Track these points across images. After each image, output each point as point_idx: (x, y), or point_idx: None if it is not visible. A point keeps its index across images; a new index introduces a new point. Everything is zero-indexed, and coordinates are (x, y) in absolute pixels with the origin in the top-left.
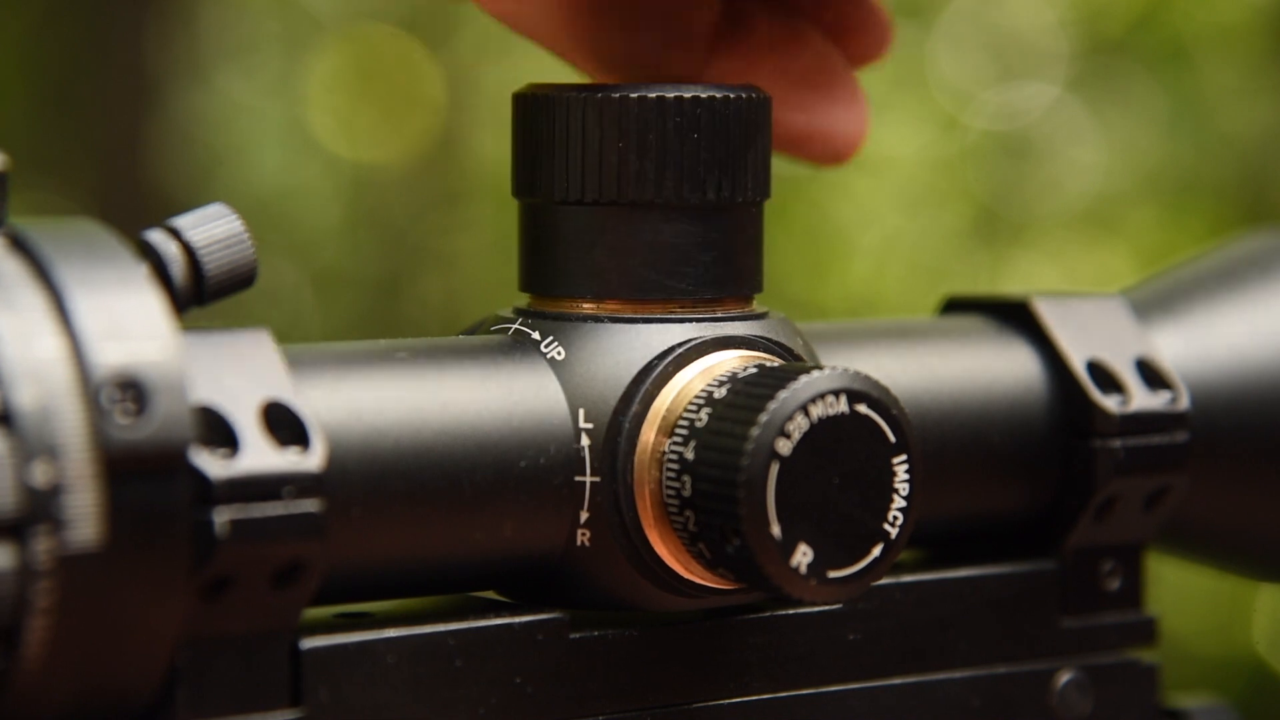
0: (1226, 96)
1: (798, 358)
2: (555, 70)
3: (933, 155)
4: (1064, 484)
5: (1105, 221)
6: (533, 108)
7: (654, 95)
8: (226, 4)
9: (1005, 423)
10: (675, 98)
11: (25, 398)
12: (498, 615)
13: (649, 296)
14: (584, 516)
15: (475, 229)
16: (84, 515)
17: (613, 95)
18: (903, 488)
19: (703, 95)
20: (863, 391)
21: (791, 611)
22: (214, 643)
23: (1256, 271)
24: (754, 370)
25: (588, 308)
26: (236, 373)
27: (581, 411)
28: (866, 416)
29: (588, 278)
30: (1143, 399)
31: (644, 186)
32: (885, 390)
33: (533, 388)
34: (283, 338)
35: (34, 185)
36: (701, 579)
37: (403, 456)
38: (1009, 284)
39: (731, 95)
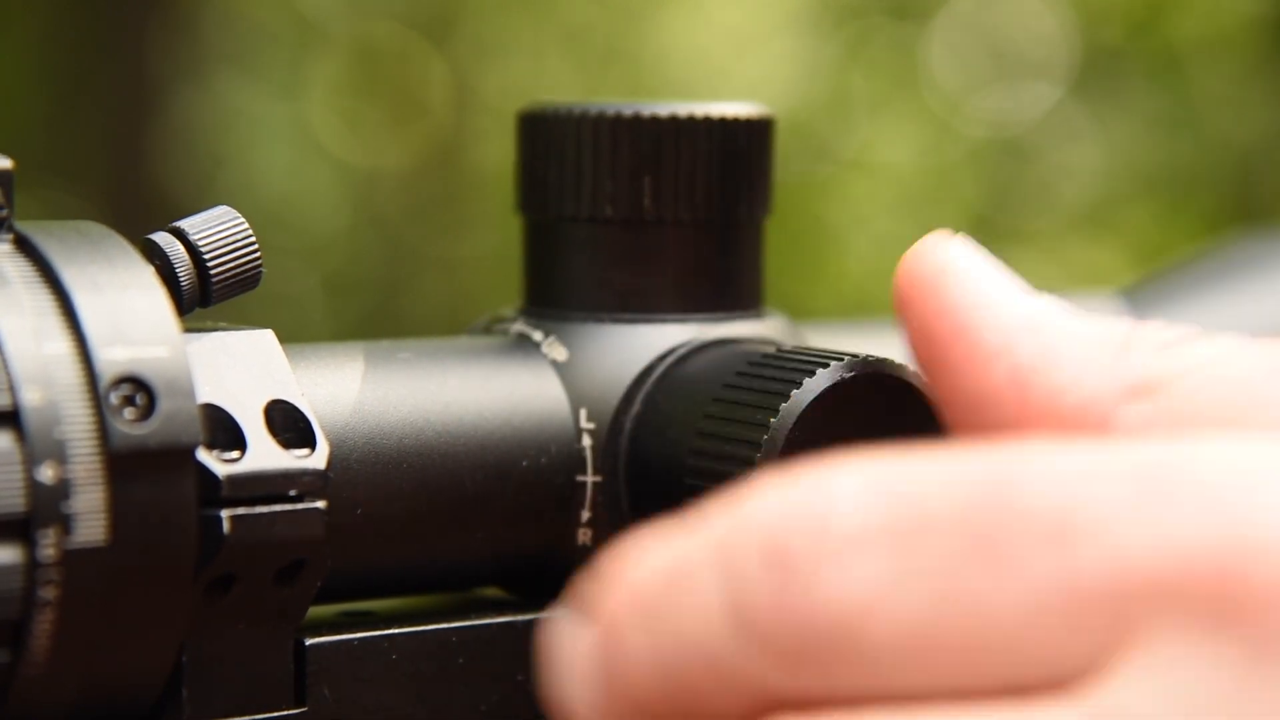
0: (1219, 102)
1: None
2: (556, 76)
3: (929, 159)
4: None
5: (1102, 220)
6: (537, 126)
7: (663, 114)
8: (230, 9)
9: None
10: (682, 117)
11: (33, 398)
12: (500, 613)
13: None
14: (585, 516)
15: (480, 232)
16: (91, 513)
17: (619, 114)
18: None
19: (708, 115)
20: None
21: None
22: (219, 640)
23: (1250, 273)
24: None
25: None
26: (241, 373)
27: (583, 411)
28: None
29: (592, 294)
30: None
31: (650, 204)
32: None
33: (534, 388)
34: (287, 339)
35: (46, 184)
36: None
37: (405, 456)
38: None
39: (736, 115)
